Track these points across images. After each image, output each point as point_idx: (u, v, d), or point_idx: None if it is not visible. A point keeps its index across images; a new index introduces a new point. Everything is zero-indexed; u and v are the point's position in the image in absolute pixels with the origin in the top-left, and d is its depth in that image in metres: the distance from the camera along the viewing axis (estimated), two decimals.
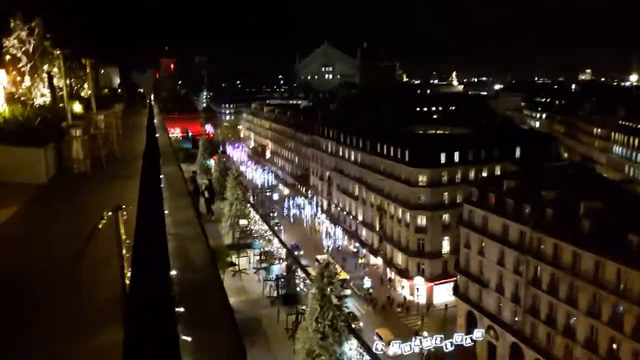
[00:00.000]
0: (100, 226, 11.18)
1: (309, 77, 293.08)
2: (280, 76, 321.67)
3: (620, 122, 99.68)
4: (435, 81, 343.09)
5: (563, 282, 47.54)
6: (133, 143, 34.82)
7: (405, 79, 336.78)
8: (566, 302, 47.24)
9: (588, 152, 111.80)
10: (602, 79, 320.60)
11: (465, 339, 55.04)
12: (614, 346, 42.72)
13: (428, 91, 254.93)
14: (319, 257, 72.39)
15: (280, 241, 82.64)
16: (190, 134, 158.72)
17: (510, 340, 54.64)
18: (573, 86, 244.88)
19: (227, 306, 21.55)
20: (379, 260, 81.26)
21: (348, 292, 71.57)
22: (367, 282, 74.66)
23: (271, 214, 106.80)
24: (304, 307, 51.68)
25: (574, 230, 46.35)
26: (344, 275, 73.40)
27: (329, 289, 43.30)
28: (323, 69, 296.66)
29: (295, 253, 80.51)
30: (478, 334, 56.02)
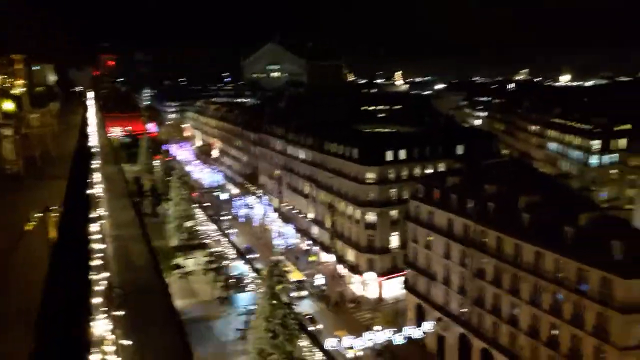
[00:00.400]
0: (28, 228, 10.31)
1: (255, 76, 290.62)
2: (225, 74, 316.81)
3: (553, 119, 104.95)
4: (381, 80, 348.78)
5: (506, 273, 49.31)
6: (70, 142, 33.05)
7: (351, 78, 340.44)
8: (510, 292, 49.03)
9: (526, 148, 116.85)
10: (537, 79, 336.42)
11: (415, 331, 56.06)
12: (555, 332, 44.72)
13: (374, 90, 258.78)
14: (273, 258, 71.91)
15: (230, 242, 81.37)
16: (132, 133, 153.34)
17: (458, 331, 56.16)
18: (510, 86, 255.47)
19: (172, 308, 20.76)
20: (331, 257, 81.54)
21: (305, 293, 71.48)
22: (320, 280, 74.71)
23: (220, 215, 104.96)
24: (254, 307, 51.00)
25: (515, 223, 48.17)
26: (299, 276, 73.12)
27: (278, 288, 42.89)
28: (270, 67, 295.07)
29: (249, 256, 79.56)
30: (427, 326, 57.23)
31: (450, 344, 57.40)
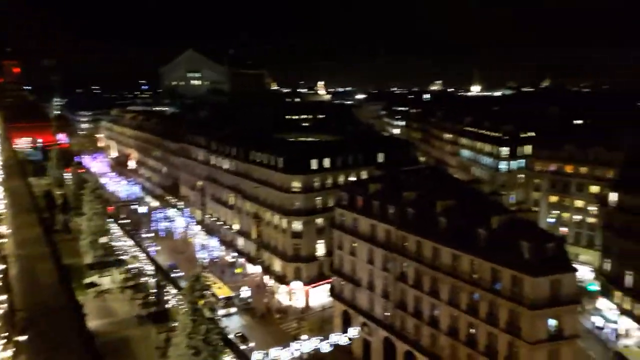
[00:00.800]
0: None
1: (174, 83, 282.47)
2: (143, 81, 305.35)
3: (466, 128, 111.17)
4: (304, 90, 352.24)
5: (426, 275, 51.18)
6: None
7: (274, 87, 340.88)
8: (430, 294, 50.89)
9: (441, 155, 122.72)
10: (450, 89, 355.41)
11: (342, 338, 56.52)
12: (472, 331, 46.93)
13: (297, 99, 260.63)
14: (195, 272, 69.62)
15: (149, 257, 78.03)
16: (40, 144, 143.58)
17: (382, 335, 57.36)
18: (426, 96, 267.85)
19: (84, 329, 19.40)
20: (257, 269, 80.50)
21: (233, 309, 69.89)
22: (246, 292, 73.50)
23: (138, 229, 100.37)
24: (176, 324, 49.10)
25: (433, 227, 50.21)
26: (227, 292, 71.54)
27: (201, 303, 41.62)
28: (190, 74, 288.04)
29: (171, 273, 76.55)
30: (353, 331, 57.95)
31: (375, 348, 58.50)
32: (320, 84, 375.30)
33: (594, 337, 62.63)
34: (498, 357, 44.14)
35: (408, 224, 53.09)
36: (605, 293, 65.20)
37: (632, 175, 62.48)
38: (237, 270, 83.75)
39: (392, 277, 55.33)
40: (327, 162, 74.11)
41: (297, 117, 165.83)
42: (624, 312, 61.03)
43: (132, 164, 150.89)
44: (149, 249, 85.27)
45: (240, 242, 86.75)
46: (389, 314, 56.47)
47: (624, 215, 60.94)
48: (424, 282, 51.52)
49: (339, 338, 55.74)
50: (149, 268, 74.96)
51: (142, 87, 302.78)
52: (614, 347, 58.76)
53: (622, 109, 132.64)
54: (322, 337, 55.01)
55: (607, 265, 65.04)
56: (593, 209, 75.76)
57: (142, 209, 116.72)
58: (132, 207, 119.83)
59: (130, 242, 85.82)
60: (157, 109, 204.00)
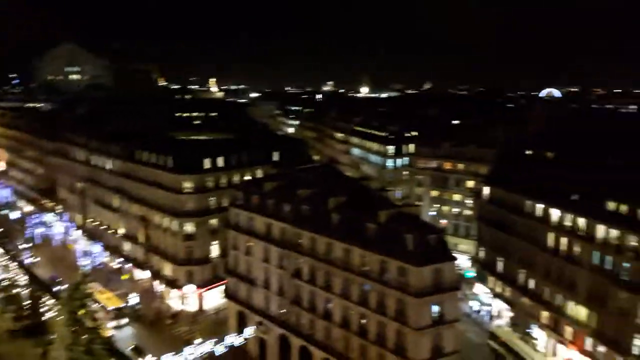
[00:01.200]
0: None
1: (50, 78, 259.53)
2: (13, 75, 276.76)
3: (355, 128, 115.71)
4: (195, 87, 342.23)
5: (320, 270, 52.43)
6: None
7: (163, 83, 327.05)
8: (324, 288, 52.20)
9: (333, 154, 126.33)
10: (341, 90, 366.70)
11: (237, 338, 56.04)
12: (364, 321, 48.96)
13: (188, 97, 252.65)
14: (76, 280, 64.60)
15: (22, 266, 71.22)
16: None
17: (278, 332, 57.75)
18: (319, 96, 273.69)
19: None
20: (146, 274, 76.79)
21: (125, 320, 65.98)
22: (134, 299, 69.82)
23: (9, 237, 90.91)
24: (54, 337, 45.35)
25: (326, 223, 51.60)
26: (117, 303, 67.35)
27: (81, 312, 38.87)
28: (68, 69, 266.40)
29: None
30: (248, 331, 57.65)
31: (271, 346, 58.75)
32: (212, 81, 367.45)
33: (471, 319, 68.45)
34: (387, 345, 46.55)
35: (302, 221, 53.97)
36: (481, 279, 71.57)
37: (501, 170, 69.17)
38: (124, 277, 79.30)
39: (287, 274, 55.90)
40: (220, 161, 72.67)
41: (188, 114, 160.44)
42: (496, 295, 67.46)
43: (1, 166, 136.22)
44: (22, 258, 77.66)
45: (127, 246, 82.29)
46: (284, 311, 56.99)
47: (495, 207, 67.36)
48: (318, 277, 52.72)
49: (234, 339, 55.20)
50: (23, 278, 68.37)
51: (14, 81, 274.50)
52: (489, 328, 64.69)
53: (493, 110, 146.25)
54: (216, 339, 54.09)
55: (482, 253, 71.45)
56: (469, 202, 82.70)
57: (14, 215, 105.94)
58: (2, 212, 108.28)
59: (0, 251, 77.62)
60: (31, 105, 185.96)
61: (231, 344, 54.83)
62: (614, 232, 49.05)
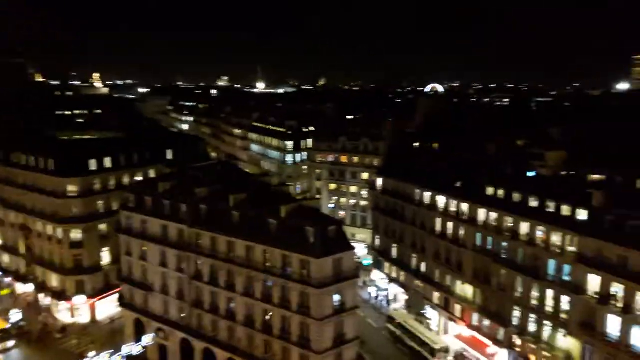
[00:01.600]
0: None
1: None
2: None
3: (254, 124, 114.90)
4: (77, 83, 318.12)
5: (221, 270, 51.59)
6: None
7: (40, 79, 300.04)
8: (226, 288, 51.46)
9: (232, 150, 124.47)
10: (237, 86, 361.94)
11: (135, 347, 53.47)
12: (268, 317, 49.07)
13: (69, 93, 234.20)
14: None
15: None
16: None
17: (179, 337, 55.98)
18: (213, 91, 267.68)
19: None
20: (29, 287, 70.37)
21: (11, 343, 59.81)
22: (17, 315, 63.78)
23: None
24: None
25: (227, 222, 50.84)
26: (2, 324, 60.86)
27: None
28: None
29: None
30: (147, 339, 55.22)
31: (173, 351, 56.86)
32: (96, 76, 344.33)
33: (370, 305, 71.52)
34: (291, 338, 47.15)
35: (201, 221, 52.68)
36: (377, 265, 75.00)
37: (392, 162, 72.81)
38: (3, 292, 71.99)
39: (186, 277, 54.30)
40: (108, 162, 68.39)
41: (70, 112, 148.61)
42: (392, 280, 71.14)
43: None
44: None
45: (5, 259, 74.88)
46: (185, 314, 55.37)
47: (388, 197, 70.82)
48: (219, 277, 51.86)
49: (132, 348, 52.62)
50: None
51: None
52: (386, 312, 68.04)
53: (383, 105, 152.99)
54: (112, 350, 51.23)
55: (378, 241, 74.85)
56: (365, 193, 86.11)
57: None
58: None
59: None
60: None
61: (129, 354, 52.17)
62: (493, 215, 53.92)
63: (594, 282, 43.92)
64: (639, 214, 41.21)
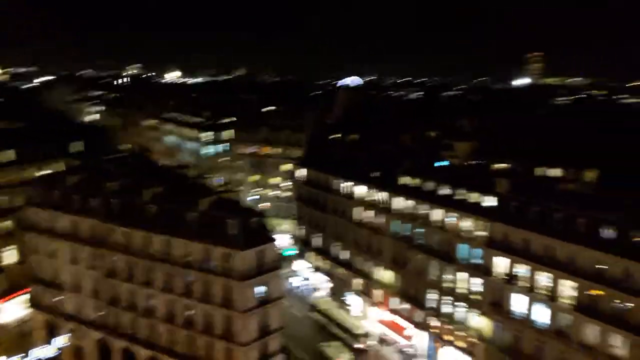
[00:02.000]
0: None
1: None
2: None
3: (168, 114, 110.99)
4: None
5: (138, 266, 49.66)
6: None
7: None
8: (144, 284, 49.65)
9: (145, 142, 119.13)
10: (149, 74, 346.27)
11: (47, 350, 50.32)
12: (190, 312, 47.99)
13: None
14: None
15: None
16: None
17: (96, 337, 53.34)
18: (123, 80, 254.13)
19: None
20: None
21: None
22: None
23: None
24: None
25: (142, 216, 48.93)
26: None
27: None
28: None
29: None
30: (60, 340, 52.10)
31: (89, 352, 54.11)
32: None
33: (294, 295, 72.17)
34: (214, 332, 46.56)
35: (114, 215, 50.34)
36: (301, 255, 75.77)
37: (313, 153, 73.66)
38: None
39: (101, 274, 51.74)
40: (11, 155, 63.46)
41: None
42: (316, 269, 72.26)
43: None
44: None
45: None
46: (101, 313, 52.79)
47: (310, 187, 71.66)
48: (136, 273, 49.95)
49: (43, 351, 49.46)
50: None
51: None
52: (310, 301, 69.03)
53: (303, 97, 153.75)
54: (22, 355, 47.89)
55: (301, 231, 75.57)
56: (287, 184, 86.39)
57: None
58: None
59: None
60: None
61: (39, 357, 48.96)
62: (409, 203, 56.40)
63: (501, 264, 47.46)
64: (540, 200, 45.01)
